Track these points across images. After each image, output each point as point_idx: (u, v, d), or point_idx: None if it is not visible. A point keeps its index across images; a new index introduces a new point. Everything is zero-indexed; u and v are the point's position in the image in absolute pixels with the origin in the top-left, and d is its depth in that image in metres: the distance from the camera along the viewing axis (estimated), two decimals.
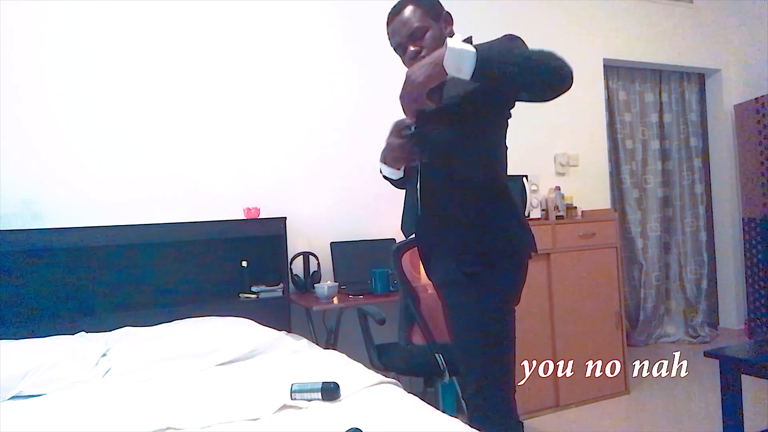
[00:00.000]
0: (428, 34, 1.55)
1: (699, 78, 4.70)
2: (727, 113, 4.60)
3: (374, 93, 3.27)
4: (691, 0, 4.51)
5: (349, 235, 3.14)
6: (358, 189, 3.21)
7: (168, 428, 1.34)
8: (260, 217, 2.83)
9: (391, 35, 1.60)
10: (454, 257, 1.52)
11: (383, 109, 3.28)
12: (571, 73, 1.34)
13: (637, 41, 4.25)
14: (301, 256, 2.92)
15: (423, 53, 1.53)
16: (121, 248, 2.58)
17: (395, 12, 1.59)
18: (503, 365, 1.54)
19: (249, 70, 3.00)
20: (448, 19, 1.61)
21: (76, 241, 2.40)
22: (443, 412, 1.43)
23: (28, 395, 1.72)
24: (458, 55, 1.27)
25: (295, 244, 2.97)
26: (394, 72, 3.31)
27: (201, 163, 2.87)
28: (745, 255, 4.41)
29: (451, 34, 1.60)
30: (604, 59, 4.10)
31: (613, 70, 4.31)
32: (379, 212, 3.25)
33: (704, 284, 4.52)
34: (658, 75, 4.53)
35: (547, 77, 1.32)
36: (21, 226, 2.43)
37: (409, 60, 1.57)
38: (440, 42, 1.49)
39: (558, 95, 1.35)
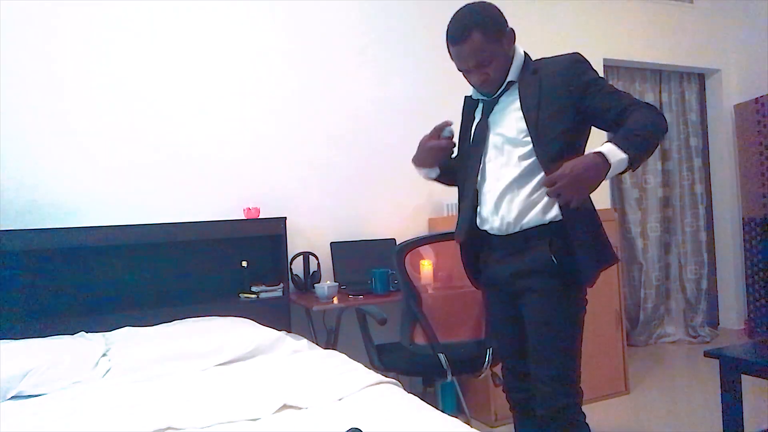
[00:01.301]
0: (494, 63, 1.57)
1: (699, 78, 4.70)
2: (727, 113, 4.60)
3: (374, 93, 3.27)
4: (691, 0, 4.51)
5: (349, 235, 3.14)
6: (358, 189, 3.21)
7: (168, 428, 1.34)
8: (260, 217, 2.83)
9: (457, 60, 1.60)
10: (547, 244, 1.56)
11: (383, 109, 3.29)
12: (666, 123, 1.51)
13: (637, 41, 4.25)
14: (301, 256, 2.92)
15: (489, 77, 1.59)
16: (121, 248, 2.58)
17: (461, 38, 1.55)
18: (579, 356, 1.60)
19: (249, 71, 3.00)
20: (511, 36, 1.60)
21: (76, 241, 2.40)
22: (443, 412, 1.43)
23: (28, 395, 1.72)
24: (617, 167, 1.40)
25: (295, 244, 2.97)
26: (394, 72, 3.34)
27: (201, 163, 2.87)
28: (745, 255, 4.41)
29: (513, 46, 1.62)
30: (604, 59, 4.10)
31: (613, 70, 4.31)
32: (379, 212, 3.25)
33: (704, 284, 4.51)
34: (658, 75, 4.53)
35: (659, 140, 1.50)
36: (21, 226, 2.43)
37: (474, 83, 1.65)
38: (506, 66, 1.60)
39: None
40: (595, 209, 1.65)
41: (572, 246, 1.54)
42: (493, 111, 1.65)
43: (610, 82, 1.60)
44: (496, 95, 1.64)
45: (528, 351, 1.62)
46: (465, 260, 1.80)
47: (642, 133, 1.43)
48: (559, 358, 1.56)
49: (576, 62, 1.58)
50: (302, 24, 3.14)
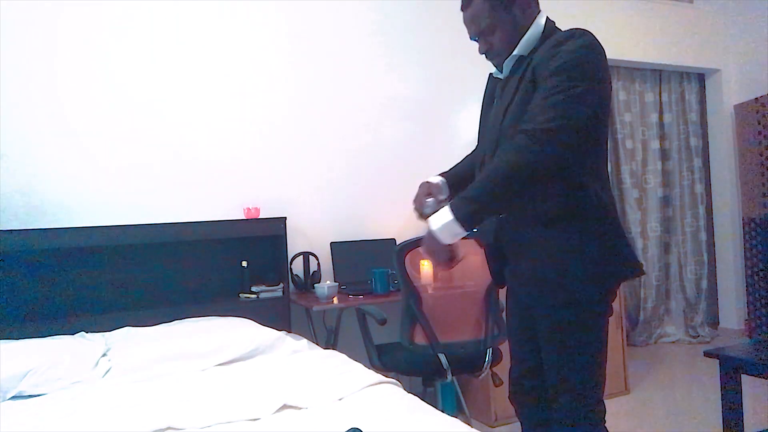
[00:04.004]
0: (497, 33, 1.41)
1: (699, 78, 4.70)
2: (727, 113, 4.59)
3: (374, 93, 3.27)
4: (691, 0, 4.51)
5: (349, 235, 3.14)
6: (358, 189, 3.21)
7: (168, 428, 1.34)
8: (260, 217, 2.83)
9: (465, 25, 1.48)
10: (542, 249, 1.38)
11: (383, 110, 3.29)
12: (549, 148, 1.22)
13: (637, 41, 4.25)
14: (301, 256, 2.92)
15: (493, 48, 1.44)
16: (121, 248, 2.58)
17: (464, 3, 1.45)
18: (596, 380, 1.40)
19: (249, 71, 3.00)
20: (524, 3, 1.42)
21: (76, 241, 2.40)
22: (443, 412, 1.43)
23: (28, 395, 1.72)
24: (447, 232, 1.28)
25: (295, 244, 2.97)
26: (394, 71, 3.34)
27: (201, 163, 2.87)
28: (745, 255, 4.41)
29: (533, 14, 1.44)
30: None
31: (613, 70, 4.30)
32: (379, 212, 3.25)
33: (704, 284, 4.52)
34: (658, 75, 4.53)
35: (524, 178, 1.24)
36: (21, 226, 2.43)
37: (479, 52, 1.49)
38: (514, 36, 1.41)
39: (550, 171, 1.25)
40: (605, 212, 1.35)
41: (566, 255, 1.33)
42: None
43: (575, 83, 1.24)
44: (509, 73, 1.45)
45: (540, 368, 1.48)
46: (489, 263, 1.60)
47: (474, 195, 1.27)
48: (566, 388, 1.38)
49: (559, 43, 1.31)
50: (302, 25, 3.14)
